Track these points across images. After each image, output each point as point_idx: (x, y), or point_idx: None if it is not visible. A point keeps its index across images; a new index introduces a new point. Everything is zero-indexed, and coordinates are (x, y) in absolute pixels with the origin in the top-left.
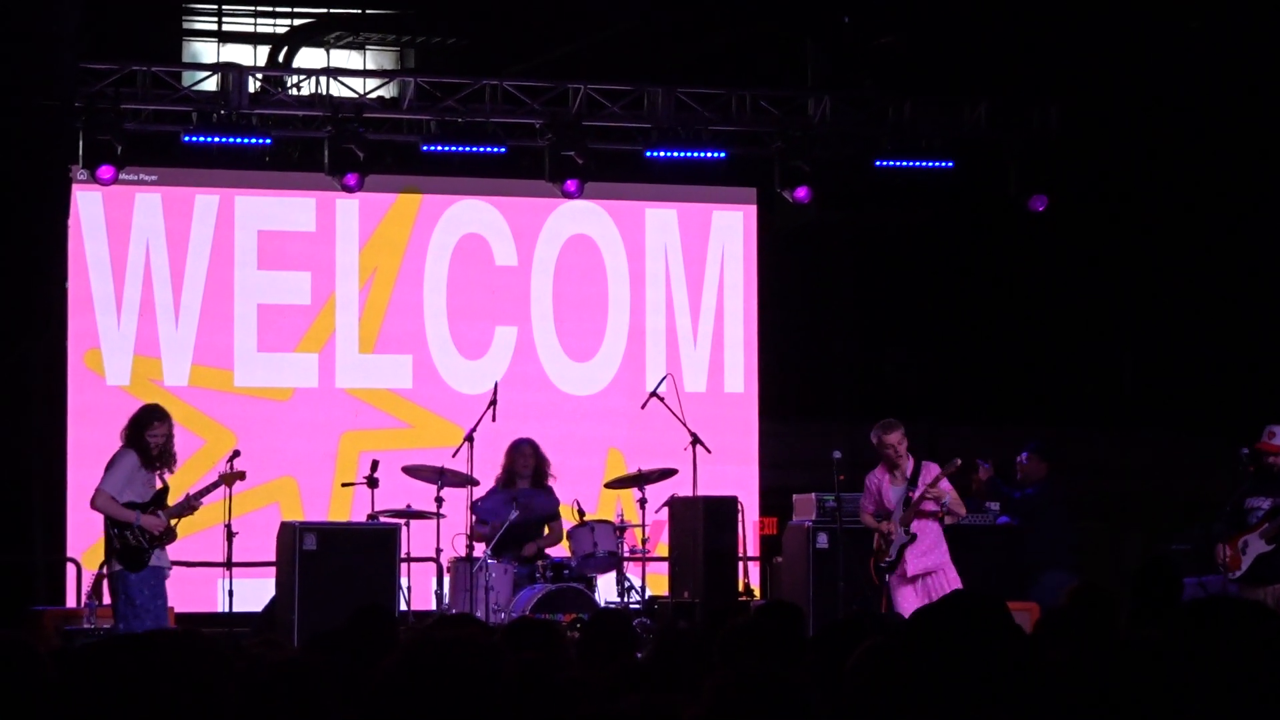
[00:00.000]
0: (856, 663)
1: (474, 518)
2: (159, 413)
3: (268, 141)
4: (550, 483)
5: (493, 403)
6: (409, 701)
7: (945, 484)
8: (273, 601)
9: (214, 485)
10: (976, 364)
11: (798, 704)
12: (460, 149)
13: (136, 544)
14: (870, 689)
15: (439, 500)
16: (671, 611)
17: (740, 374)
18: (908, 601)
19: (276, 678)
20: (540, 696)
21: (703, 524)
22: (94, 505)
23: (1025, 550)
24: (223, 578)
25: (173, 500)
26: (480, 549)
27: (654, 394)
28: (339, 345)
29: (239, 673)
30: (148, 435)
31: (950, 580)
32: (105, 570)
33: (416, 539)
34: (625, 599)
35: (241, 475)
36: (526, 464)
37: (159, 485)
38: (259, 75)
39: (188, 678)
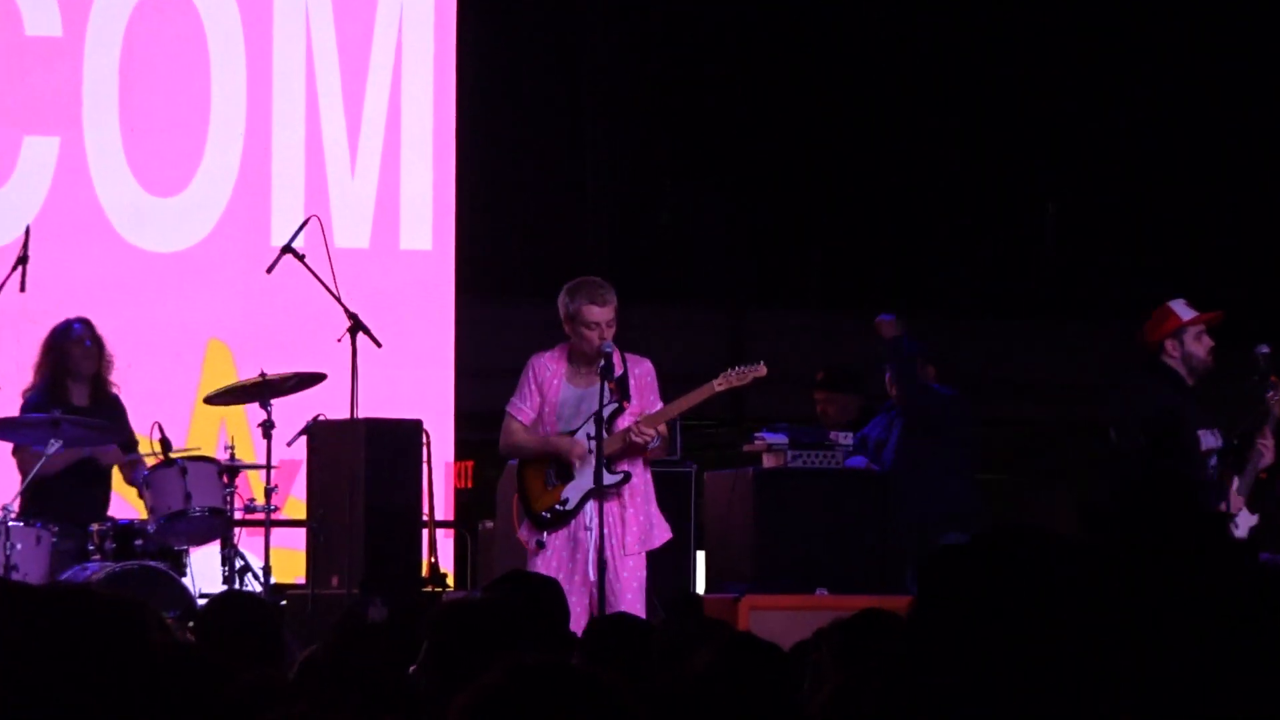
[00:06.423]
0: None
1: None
2: None
3: None
4: (114, 391)
5: (22, 260)
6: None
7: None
8: None
9: None
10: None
11: (603, 699)
12: None
13: None
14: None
15: None
16: (360, 598)
17: (427, 223)
18: (627, 587)
19: None
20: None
21: (364, 465)
22: None
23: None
24: None
25: None
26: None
27: (288, 248)
28: None
29: None
30: None
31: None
32: None
33: None
34: (234, 585)
35: None
36: (88, 361)
37: None
38: None
39: None
